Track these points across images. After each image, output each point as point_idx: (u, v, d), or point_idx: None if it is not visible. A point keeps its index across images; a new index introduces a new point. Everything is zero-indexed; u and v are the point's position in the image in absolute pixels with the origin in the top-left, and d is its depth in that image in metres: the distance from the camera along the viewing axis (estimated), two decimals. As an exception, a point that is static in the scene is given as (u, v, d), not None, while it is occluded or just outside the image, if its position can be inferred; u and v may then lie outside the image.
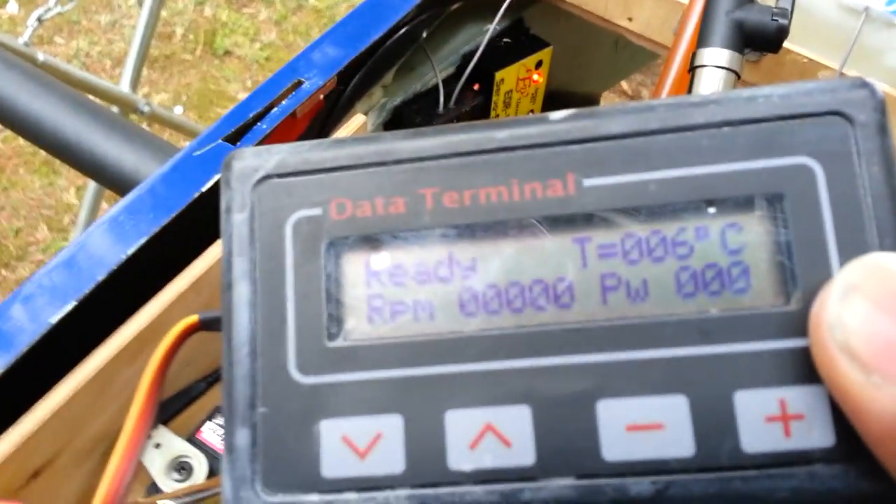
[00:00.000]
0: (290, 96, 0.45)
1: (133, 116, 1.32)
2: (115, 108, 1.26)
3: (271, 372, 0.24)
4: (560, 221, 0.24)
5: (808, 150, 0.23)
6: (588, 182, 0.24)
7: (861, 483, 0.22)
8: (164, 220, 0.40)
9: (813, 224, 0.23)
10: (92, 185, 1.29)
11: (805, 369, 0.22)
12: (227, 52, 2.01)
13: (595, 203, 0.24)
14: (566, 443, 0.23)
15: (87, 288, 0.38)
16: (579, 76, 0.72)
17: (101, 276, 0.38)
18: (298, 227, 0.25)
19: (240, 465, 0.24)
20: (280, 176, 0.26)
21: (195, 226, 0.41)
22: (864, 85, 0.24)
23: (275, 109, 0.44)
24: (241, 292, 0.25)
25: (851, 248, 0.23)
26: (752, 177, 0.23)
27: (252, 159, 0.26)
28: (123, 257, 0.39)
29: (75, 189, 1.78)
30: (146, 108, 1.32)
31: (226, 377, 0.24)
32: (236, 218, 0.26)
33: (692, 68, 0.37)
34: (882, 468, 0.21)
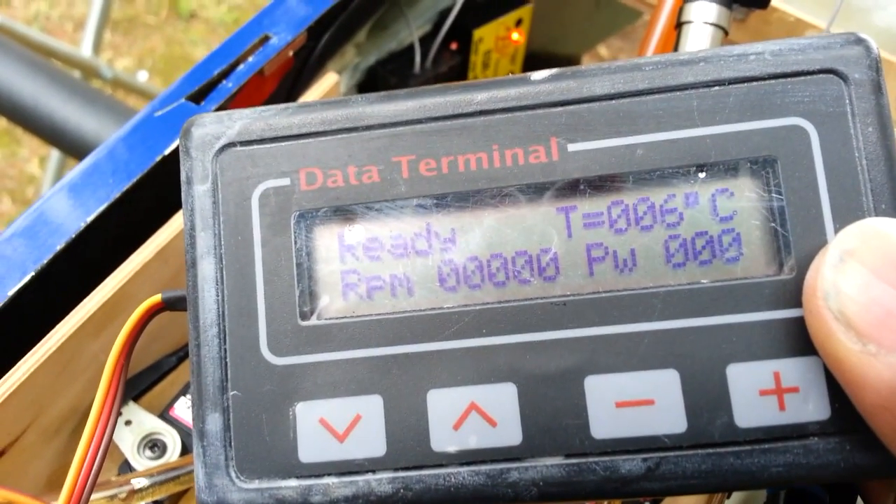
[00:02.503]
0: (256, 52, 0.43)
1: (96, 82, 1.28)
2: (76, 74, 1.21)
3: (242, 353, 0.23)
4: (544, 189, 0.23)
5: (802, 110, 0.22)
6: (573, 147, 0.23)
7: (856, 456, 0.21)
8: (125, 186, 0.38)
9: (807, 189, 0.22)
10: (55, 155, 1.26)
11: (800, 340, 0.22)
12: (193, 15, 1.94)
13: (580, 169, 0.23)
14: (553, 421, 0.22)
15: (46, 258, 0.36)
16: (560, 36, 0.70)
17: (59, 246, 0.36)
18: (265, 198, 0.24)
19: (212, 451, 0.23)
20: (244, 143, 0.24)
21: (159, 191, 0.39)
22: (859, 41, 0.23)
23: (241, 66, 0.42)
24: (206, 269, 0.24)
25: (846, 214, 0.22)
26: (743, 139, 0.23)
27: (213, 126, 0.24)
28: (83, 225, 0.37)
29: (38, 159, 1.74)
30: (109, 73, 1.28)
31: (193, 359, 0.23)
32: (198, 190, 0.24)
33: (678, 24, 0.36)
34: (877, 440, 0.20)
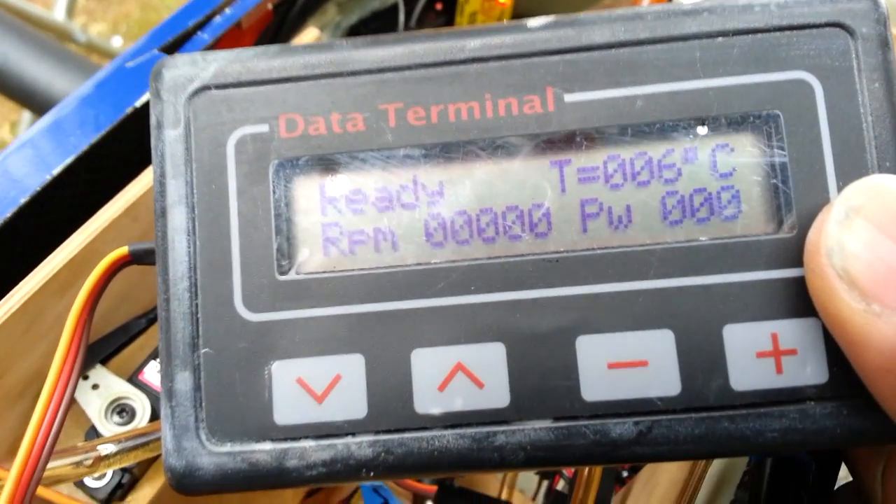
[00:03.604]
0: (233, 4, 0.41)
1: (69, 47, 1.25)
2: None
3: (215, 309, 0.22)
4: (538, 141, 0.22)
5: (807, 64, 0.22)
6: (570, 97, 0.22)
7: (854, 421, 0.21)
8: (93, 138, 0.37)
9: (810, 144, 0.21)
10: (27, 118, 1.22)
11: (799, 301, 0.21)
12: (170, -22, 1.90)
13: (577, 121, 0.22)
14: (543, 382, 0.21)
15: (9, 213, 0.34)
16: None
17: (23, 200, 0.35)
18: (242, 145, 0.22)
19: (181, 411, 0.21)
20: (219, 87, 0.23)
21: (130, 145, 0.38)
22: None
23: (217, 18, 0.41)
24: (177, 219, 0.22)
25: (850, 171, 0.21)
26: (746, 93, 0.22)
27: (186, 67, 0.23)
28: (48, 178, 0.35)
29: (10, 125, 1.70)
30: (83, 38, 1.25)
31: (162, 314, 0.22)
32: (169, 134, 0.23)
33: (672, -16, 0.35)
34: (876, 404, 0.20)
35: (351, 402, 0.21)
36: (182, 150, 0.22)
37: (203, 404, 0.21)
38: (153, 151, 0.23)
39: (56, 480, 0.35)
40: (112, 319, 0.40)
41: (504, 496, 0.45)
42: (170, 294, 0.22)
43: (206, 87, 0.23)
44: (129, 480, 0.38)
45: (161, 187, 0.22)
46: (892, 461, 0.23)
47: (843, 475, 0.27)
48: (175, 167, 0.22)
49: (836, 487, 0.27)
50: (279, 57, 0.23)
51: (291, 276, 0.22)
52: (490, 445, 0.21)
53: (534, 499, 0.46)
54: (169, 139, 0.22)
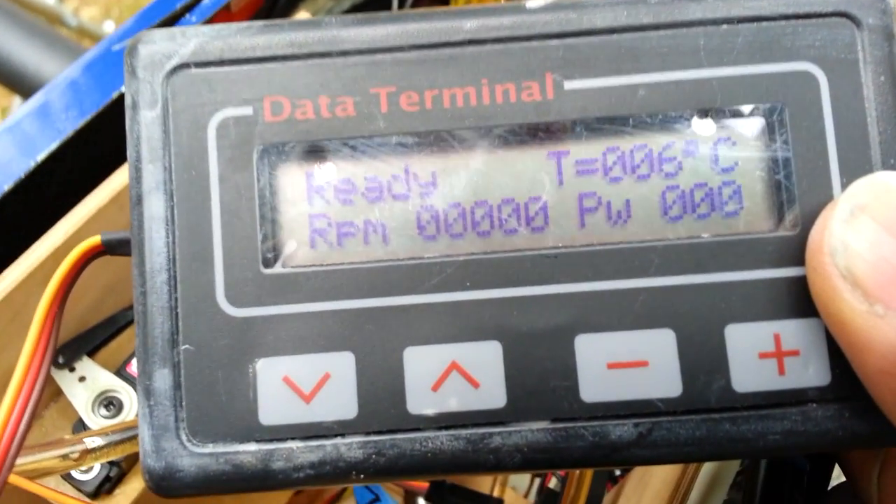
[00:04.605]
0: (224, -15, 0.40)
1: (60, 31, 1.24)
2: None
3: (195, 303, 0.21)
4: (536, 131, 0.21)
5: (812, 55, 0.21)
6: (569, 84, 0.21)
7: (856, 423, 0.20)
8: (79, 123, 0.36)
9: (814, 139, 0.21)
10: (17, 103, 1.21)
11: (802, 301, 0.20)
12: (164, -39, 1.89)
13: (577, 110, 0.21)
14: (540, 383, 0.20)
15: (-9, 200, 0.34)
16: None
17: (7, 186, 0.34)
18: (224, 129, 0.21)
19: (160, 410, 0.21)
20: (199, 65, 0.22)
21: (117, 130, 0.37)
22: None
23: (206, 0, 0.39)
24: (154, 207, 0.21)
25: (854, 167, 0.21)
26: (751, 84, 0.21)
27: (163, 43, 0.22)
28: (33, 164, 0.34)
29: (1, 110, 1.68)
30: (74, 22, 1.24)
31: (139, 309, 0.21)
32: (145, 116, 0.21)
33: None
34: (877, 408, 0.19)
35: (340, 401, 0.21)
36: (159, 132, 0.21)
37: (183, 403, 0.21)
38: (128, 133, 0.21)
39: (43, 473, 0.34)
40: (99, 311, 0.39)
41: (496, 493, 0.44)
42: (147, 287, 0.21)
43: (185, 65, 0.22)
44: (116, 474, 0.37)
45: (137, 172, 0.21)
46: (889, 463, 0.23)
47: (837, 474, 0.27)
48: (152, 151, 0.21)
49: (829, 488, 0.27)
50: (264, 34, 0.22)
51: (277, 269, 0.21)
52: (485, 447, 0.20)
53: (526, 496, 0.46)
54: (145, 120, 0.21)
